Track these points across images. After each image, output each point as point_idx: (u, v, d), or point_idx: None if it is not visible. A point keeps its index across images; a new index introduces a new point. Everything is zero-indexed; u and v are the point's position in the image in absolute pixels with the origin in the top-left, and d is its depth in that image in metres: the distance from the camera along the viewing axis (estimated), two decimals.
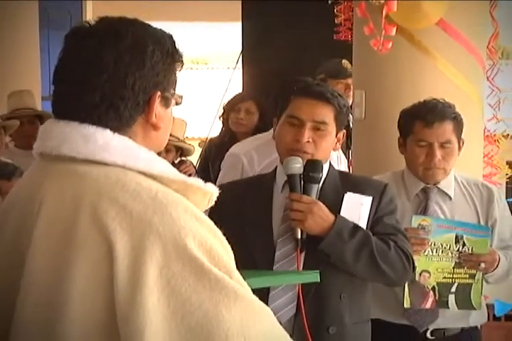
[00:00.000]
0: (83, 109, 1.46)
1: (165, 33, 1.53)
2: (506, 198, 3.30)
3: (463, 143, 3.03)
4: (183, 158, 4.69)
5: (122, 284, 1.33)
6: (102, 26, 1.50)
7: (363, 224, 2.49)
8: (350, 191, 2.51)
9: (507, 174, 3.95)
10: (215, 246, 1.40)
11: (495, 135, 3.88)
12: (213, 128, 6.06)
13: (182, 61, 1.56)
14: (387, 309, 3.00)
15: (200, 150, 5.23)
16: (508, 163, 3.98)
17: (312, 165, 2.46)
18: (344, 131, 2.60)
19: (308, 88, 2.54)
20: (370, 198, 2.51)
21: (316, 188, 2.48)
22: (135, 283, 1.33)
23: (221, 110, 4.84)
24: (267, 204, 2.54)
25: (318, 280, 2.26)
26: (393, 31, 3.28)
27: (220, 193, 2.56)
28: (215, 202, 2.50)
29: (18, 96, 5.01)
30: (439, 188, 3.02)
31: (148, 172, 1.44)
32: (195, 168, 4.83)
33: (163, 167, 1.48)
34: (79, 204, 1.40)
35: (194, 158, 5.04)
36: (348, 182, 2.57)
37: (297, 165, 2.45)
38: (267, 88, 5.45)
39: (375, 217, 2.52)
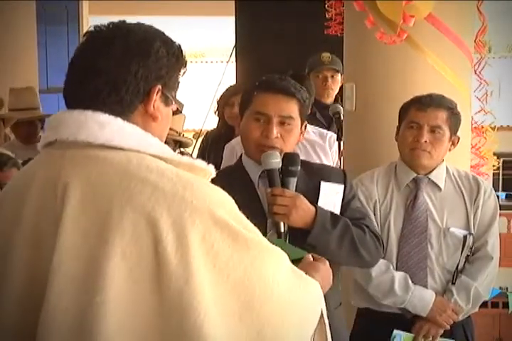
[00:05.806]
0: (90, 94, 1.57)
1: (176, 41, 1.66)
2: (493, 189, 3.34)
3: (458, 140, 3.05)
4: (182, 150, 4.75)
5: (171, 257, 1.44)
6: (117, 24, 1.63)
7: (337, 211, 2.54)
8: (315, 179, 2.53)
9: (494, 165, 4.01)
10: (237, 212, 1.57)
11: (482, 127, 3.92)
12: (208, 121, 6.13)
13: (186, 66, 1.68)
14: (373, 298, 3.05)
15: (195, 141, 5.30)
16: (495, 154, 4.03)
17: (291, 159, 2.48)
18: (306, 122, 2.59)
19: (271, 83, 2.55)
20: (343, 186, 2.56)
21: (294, 181, 2.49)
22: (183, 254, 1.44)
23: (215, 104, 4.90)
24: (255, 198, 2.50)
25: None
26: (412, 22, 3.26)
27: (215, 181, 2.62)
28: None
29: (16, 95, 4.92)
30: (429, 179, 3.05)
31: (159, 155, 1.55)
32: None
33: (170, 151, 1.60)
34: (108, 186, 1.49)
35: (189, 149, 5.10)
36: (311, 171, 2.58)
37: (276, 160, 2.45)
38: None
39: (343, 202, 2.56)
